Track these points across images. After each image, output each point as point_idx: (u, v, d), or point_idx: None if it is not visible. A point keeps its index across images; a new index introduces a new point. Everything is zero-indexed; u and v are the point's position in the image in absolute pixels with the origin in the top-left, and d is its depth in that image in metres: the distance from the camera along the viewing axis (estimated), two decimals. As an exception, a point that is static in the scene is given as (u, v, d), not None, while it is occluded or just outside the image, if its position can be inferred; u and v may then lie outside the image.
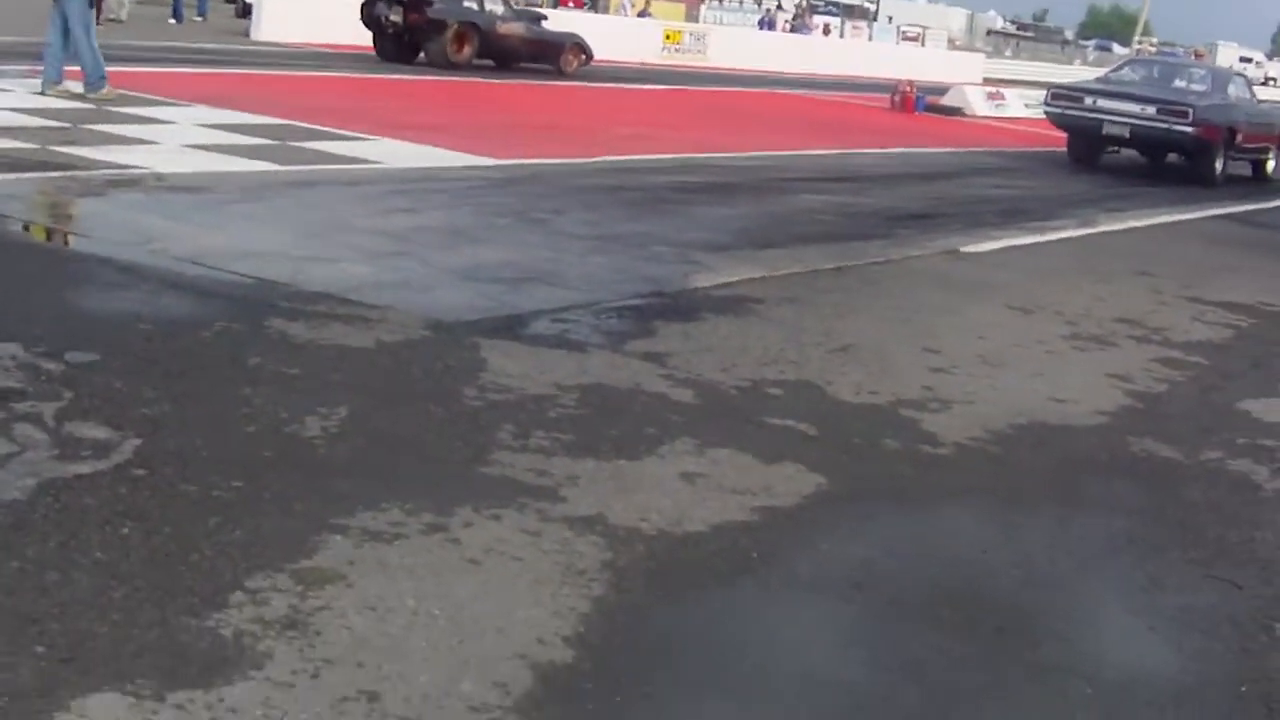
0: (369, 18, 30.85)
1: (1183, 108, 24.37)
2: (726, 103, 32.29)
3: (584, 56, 35.38)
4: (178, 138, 15.20)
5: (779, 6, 79.41)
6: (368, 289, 9.36)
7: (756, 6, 78.81)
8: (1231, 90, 26.68)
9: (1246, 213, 21.67)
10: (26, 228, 10.34)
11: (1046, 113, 26.65)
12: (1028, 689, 5.10)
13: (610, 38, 42.21)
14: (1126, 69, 29.87)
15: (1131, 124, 24.77)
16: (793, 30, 68.52)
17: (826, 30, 73.27)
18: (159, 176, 12.85)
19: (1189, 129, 24.18)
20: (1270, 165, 28.31)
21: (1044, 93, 27.69)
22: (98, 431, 6.22)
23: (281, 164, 14.38)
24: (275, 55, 29.03)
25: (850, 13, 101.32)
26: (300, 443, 6.40)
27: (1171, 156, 26.42)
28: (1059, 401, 8.86)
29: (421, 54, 31.22)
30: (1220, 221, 20.20)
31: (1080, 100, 25.81)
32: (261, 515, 5.58)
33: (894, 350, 9.61)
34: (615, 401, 7.57)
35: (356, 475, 6.08)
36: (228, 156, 14.39)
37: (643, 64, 42.49)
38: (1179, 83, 26.43)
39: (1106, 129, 25.15)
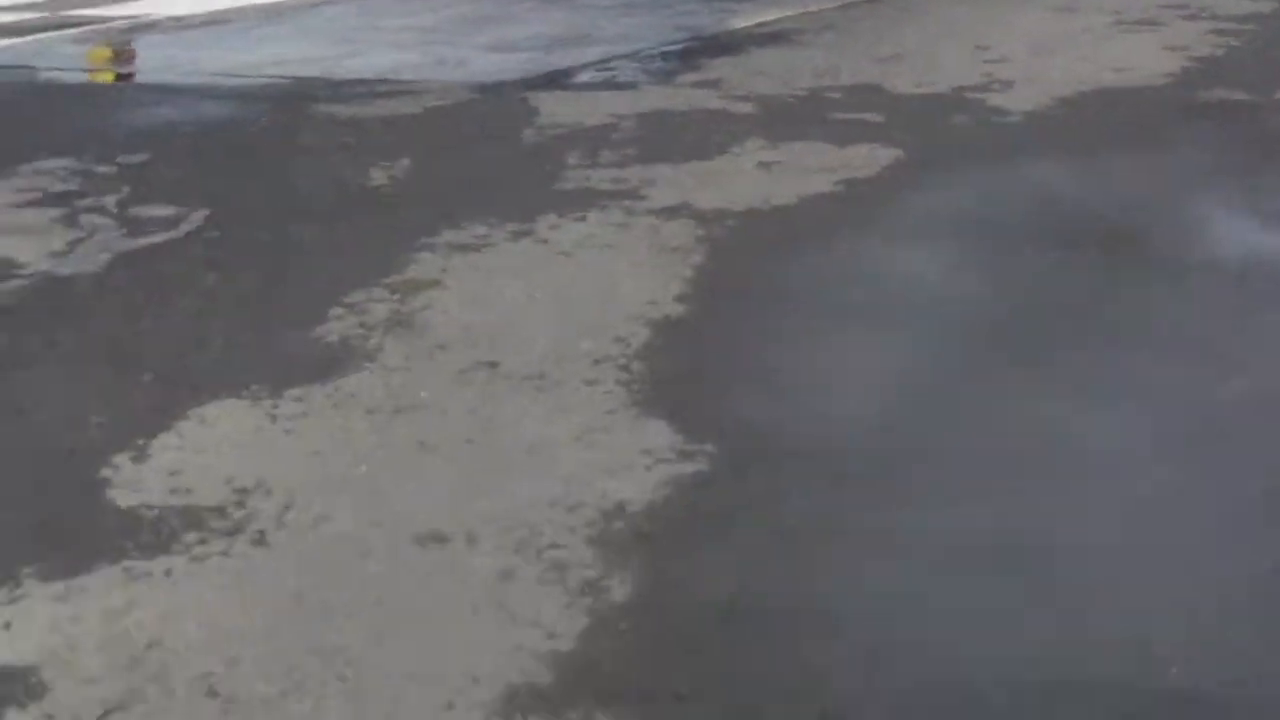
0: None
1: None
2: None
3: None
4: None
5: None
6: (405, 69, 9.21)
7: None
8: None
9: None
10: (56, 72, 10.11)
11: None
12: (1151, 285, 5.00)
13: None
14: None
15: None
16: None
17: None
18: (176, 19, 12.62)
19: None
20: None
21: None
22: (163, 210, 6.11)
23: (294, -7, 14.09)
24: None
25: None
26: (369, 190, 6.29)
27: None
28: (1120, 70, 8.69)
29: None
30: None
31: None
32: (344, 249, 5.49)
33: (945, 52, 9.44)
34: (676, 121, 7.44)
35: (431, 207, 5.97)
36: (239, -5, 14.13)
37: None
38: None
39: None
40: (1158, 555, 3.30)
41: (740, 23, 10.79)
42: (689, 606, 3.06)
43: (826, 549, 3.27)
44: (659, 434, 3.81)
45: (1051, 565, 3.23)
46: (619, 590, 3.09)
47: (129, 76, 10.25)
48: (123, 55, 10.83)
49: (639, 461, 3.66)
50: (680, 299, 4.75)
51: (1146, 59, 8.97)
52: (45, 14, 12.92)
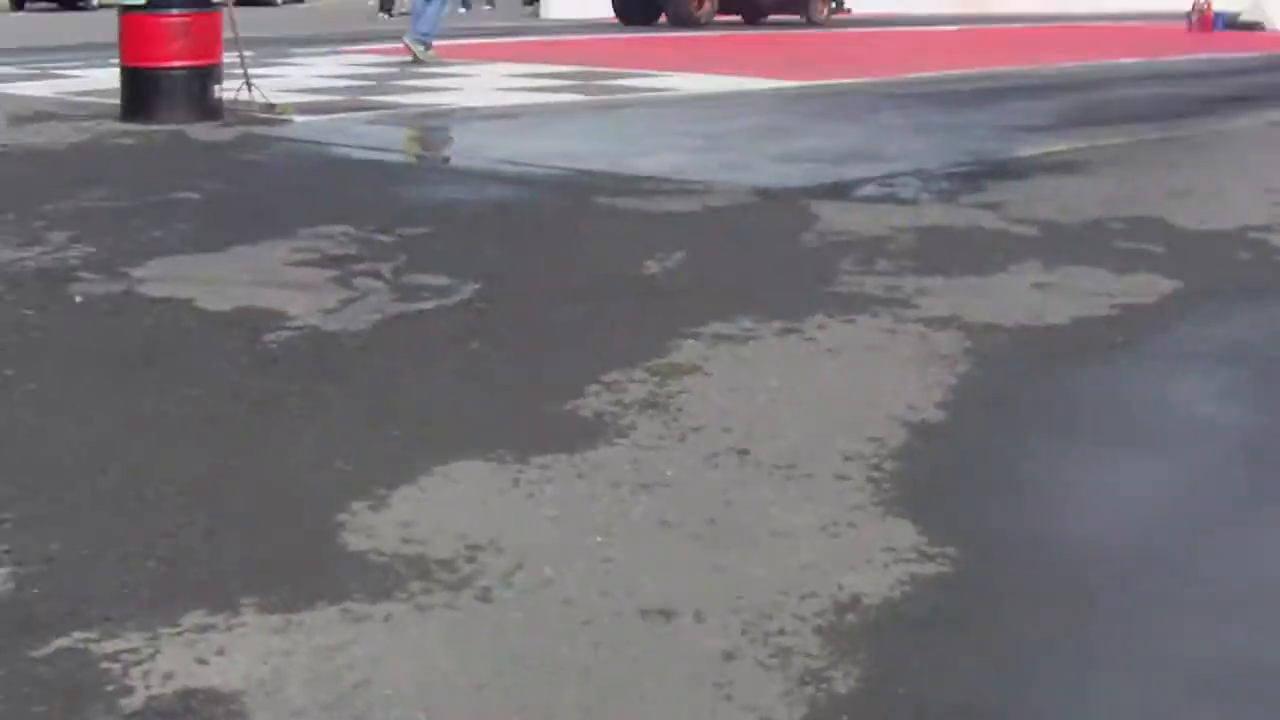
0: None
1: None
2: (1023, 35, 31.54)
3: (834, 3, 32.67)
4: (484, 84, 15.26)
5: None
6: (690, 170, 9.25)
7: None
8: None
9: None
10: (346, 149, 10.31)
11: None
12: None
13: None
14: None
15: None
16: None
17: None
18: (470, 109, 12.87)
19: None
20: None
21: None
22: (436, 280, 6.18)
23: (587, 95, 14.30)
24: (566, 27, 28.96)
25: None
26: (641, 278, 6.28)
27: None
28: None
29: (663, 15, 29.45)
30: None
31: None
32: (610, 329, 5.48)
33: (1232, 191, 9.20)
34: (955, 237, 7.34)
35: (701, 298, 5.94)
36: (534, 94, 14.38)
37: (925, 12, 41.73)
38: None
39: None
40: None
41: (1027, 150, 10.68)
42: (914, 707, 2.95)
43: (1063, 663, 3.14)
44: (904, 533, 3.70)
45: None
46: (842, 682, 2.99)
47: (380, 152, 10.34)
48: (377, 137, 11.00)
49: (880, 558, 3.56)
50: (941, 405, 4.64)
51: None
52: (343, 98, 13.21)
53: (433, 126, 11.70)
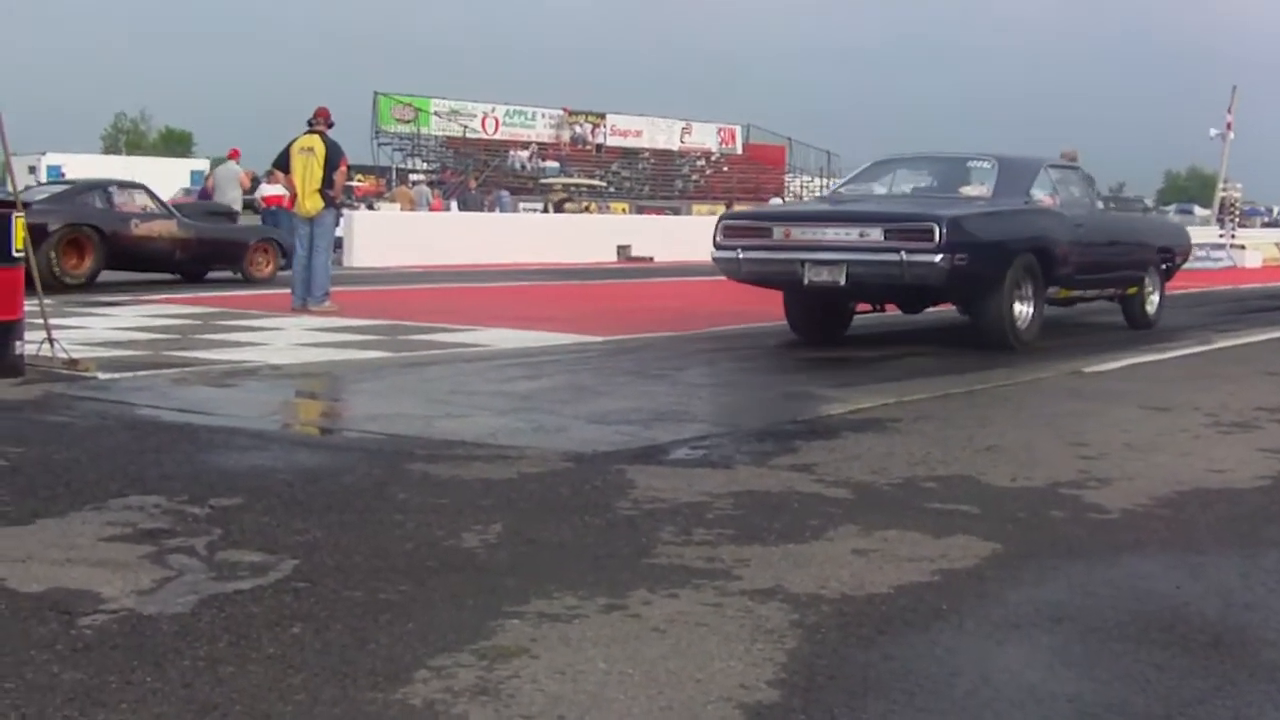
0: None
1: (925, 224, 14.41)
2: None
3: (284, 260, 25.04)
4: (287, 339, 15.21)
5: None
6: (502, 435, 9.24)
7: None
8: (1037, 190, 16.43)
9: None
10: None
11: (715, 259, 15.84)
12: (1259, 687, 4.82)
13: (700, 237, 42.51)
14: (871, 177, 17.57)
15: (848, 260, 14.70)
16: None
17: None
18: (274, 367, 12.81)
19: (935, 259, 14.29)
20: (1151, 304, 19.23)
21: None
22: (252, 556, 6.10)
23: (394, 351, 14.31)
24: (369, 276, 28.85)
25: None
26: (461, 552, 6.24)
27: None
28: (1217, 472, 8.60)
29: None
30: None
31: (766, 233, 15.51)
32: (433, 610, 5.41)
33: (1040, 446, 9.37)
34: (771, 502, 7.38)
35: (523, 574, 5.91)
36: (338, 349, 14.34)
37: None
38: (939, 188, 16.47)
39: (810, 275, 14.97)
40: None
41: (836, 409, 10.83)
42: None
43: None
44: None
45: None
46: None
47: (186, 415, 10.23)
48: (183, 398, 10.87)
49: None
50: (773, 684, 4.66)
51: (1243, 461, 8.94)
52: (146, 353, 13.10)
53: (237, 387, 11.59)
